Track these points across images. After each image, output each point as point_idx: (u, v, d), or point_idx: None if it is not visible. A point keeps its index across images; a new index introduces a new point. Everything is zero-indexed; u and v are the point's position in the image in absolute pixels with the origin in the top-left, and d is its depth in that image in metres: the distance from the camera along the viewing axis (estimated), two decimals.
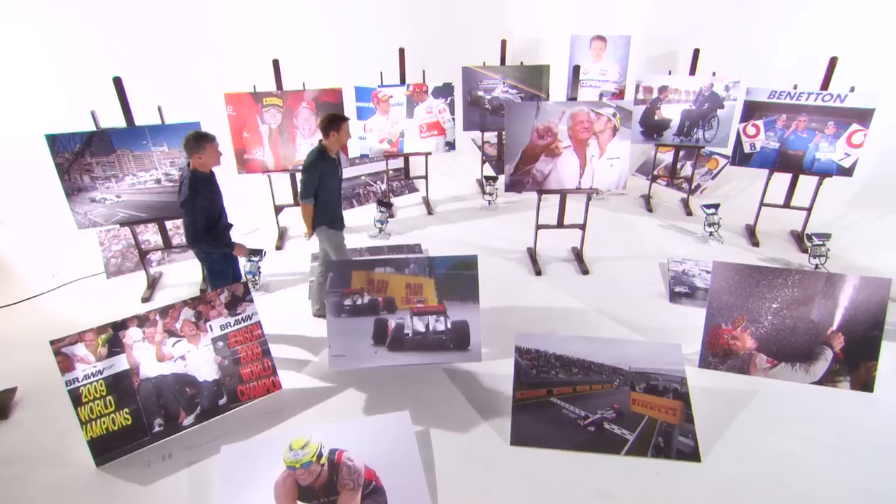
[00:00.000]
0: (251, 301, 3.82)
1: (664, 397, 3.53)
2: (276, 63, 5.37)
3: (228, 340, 3.72)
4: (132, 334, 3.38)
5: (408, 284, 4.13)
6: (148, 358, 3.42)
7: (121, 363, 3.33)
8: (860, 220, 5.98)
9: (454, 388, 3.89)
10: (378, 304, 4.12)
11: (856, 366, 3.77)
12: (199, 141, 3.62)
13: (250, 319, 3.81)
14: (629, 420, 3.44)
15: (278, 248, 5.87)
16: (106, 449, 3.26)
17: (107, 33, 5.86)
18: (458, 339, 4.11)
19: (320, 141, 4.16)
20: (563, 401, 3.55)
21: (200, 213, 3.68)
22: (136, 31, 5.99)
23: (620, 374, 3.63)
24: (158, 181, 4.71)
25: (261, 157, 5.57)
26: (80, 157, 4.38)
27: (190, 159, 3.69)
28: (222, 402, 3.66)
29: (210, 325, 3.66)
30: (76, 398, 3.21)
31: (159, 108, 4.56)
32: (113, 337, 3.32)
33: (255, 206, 6.23)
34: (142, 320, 3.43)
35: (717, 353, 3.98)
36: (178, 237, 5.87)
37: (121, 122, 4.47)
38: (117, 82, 4.31)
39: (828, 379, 3.81)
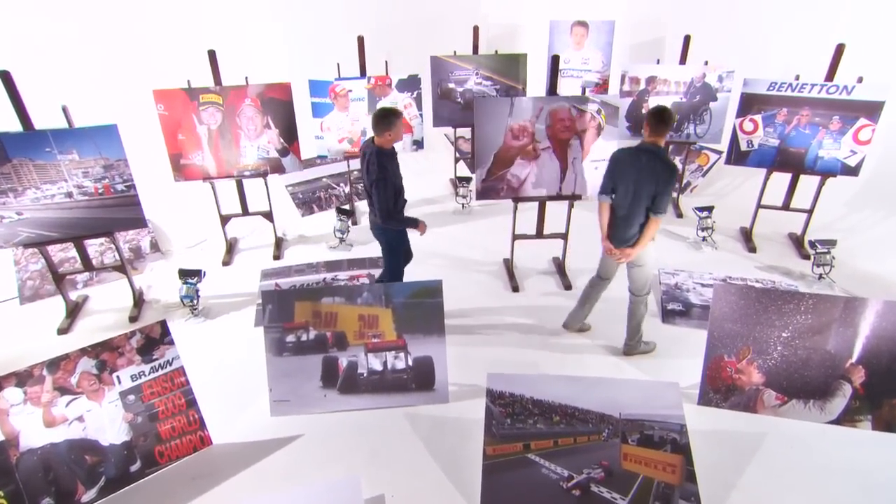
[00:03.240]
0: (171, 343, 3.18)
1: (661, 450, 2.99)
2: (212, 54, 4.66)
3: (142, 393, 3.09)
4: (8, 396, 2.72)
5: (361, 316, 3.53)
6: (31, 424, 2.77)
7: None
8: (863, 222, 5.52)
9: (416, 437, 3.32)
10: (326, 340, 3.52)
11: (878, 403, 3.28)
12: (389, 117, 3.52)
13: (171, 365, 3.19)
14: (620, 480, 2.90)
15: (225, 263, 5.21)
16: None
17: None
18: (421, 377, 3.53)
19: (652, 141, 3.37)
20: (543, 457, 2.99)
21: (392, 191, 3.58)
22: (32, 14, 5.08)
23: (610, 422, 3.09)
24: (70, 195, 4.01)
25: (200, 162, 4.88)
26: None
27: (378, 137, 3.57)
28: (135, 468, 3.03)
29: (117, 377, 3.02)
30: None
31: (64, 109, 3.84)
32: None
33: (198, 217, 5.52)
34: (22, 378, 2.77)
35: (719, 389, 3.46)
36: (111, 253, 5.17)
37: (15, 126, 3.75)
38: (5, 77, 3.58)
39: (846, 418, 3.31)
